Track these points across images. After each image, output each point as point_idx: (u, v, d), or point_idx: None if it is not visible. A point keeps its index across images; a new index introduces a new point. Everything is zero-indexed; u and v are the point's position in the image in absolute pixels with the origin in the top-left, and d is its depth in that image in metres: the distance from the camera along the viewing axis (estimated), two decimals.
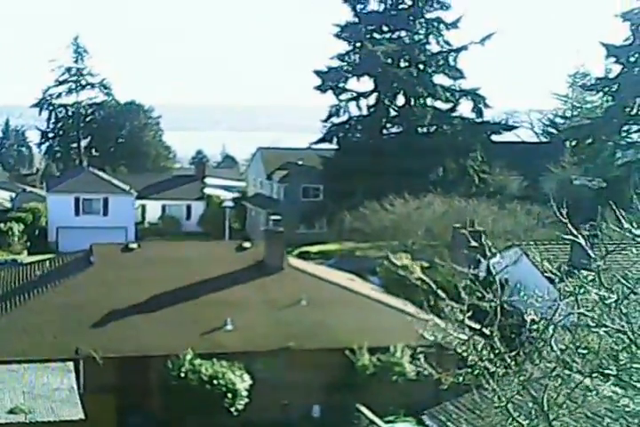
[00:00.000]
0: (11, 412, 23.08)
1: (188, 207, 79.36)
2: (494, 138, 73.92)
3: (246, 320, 30.24)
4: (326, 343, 29.70)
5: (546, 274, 13.63)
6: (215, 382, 27.25)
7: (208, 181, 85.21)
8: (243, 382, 27.63)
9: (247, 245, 34.95)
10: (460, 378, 13.56)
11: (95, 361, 27.41)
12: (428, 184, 61.13)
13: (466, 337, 13.40)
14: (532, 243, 38.11)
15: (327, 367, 29.23)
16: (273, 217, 34.69)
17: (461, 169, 69.06)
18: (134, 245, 34.19)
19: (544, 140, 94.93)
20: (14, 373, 25.82)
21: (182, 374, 27.35)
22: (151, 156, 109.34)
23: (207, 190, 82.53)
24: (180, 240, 61.02)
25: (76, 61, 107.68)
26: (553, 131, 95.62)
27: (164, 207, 79.19)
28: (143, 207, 78.06)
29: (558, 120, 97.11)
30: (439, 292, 14.87)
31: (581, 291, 11.55)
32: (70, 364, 26.52)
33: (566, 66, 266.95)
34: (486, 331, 12.94)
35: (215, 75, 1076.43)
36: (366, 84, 72.77)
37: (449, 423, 20.46)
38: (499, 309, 12.81)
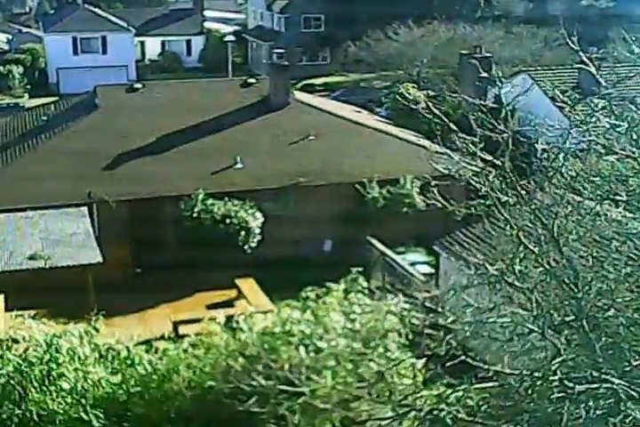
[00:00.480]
0: (31, 258, 23.53)
1: (188, 42, 77.09)
2: None
3: (255, 158, 30.21)
4: (336, 178, 29.78)
5: (557, 104, 13.48)
6: (228, 220, 27.53)
7: (207, 14, 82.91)
8: (255, 220, 27.91)
9: (252, 80, 34.43)
10: (473, 209, 13.69)
11: (108, 205, 27.57)
12: (432, 10, 59.46)
13: (478, 169, 13.43)
14: (539, 68, 37.54)
15: (337, 202, 29.45)
16: (276, 50, 33.87)
17: None
18: (139, 86, 33.67)
19: None
20: (30, 219, 26.07)
21: (195, 215, 27.58)
22: None
23: (206, 24, 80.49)
24: (181, 77, 60.09)
25: None
26: None
27: (163, 43, 76.91)
28: (142, 44, 75.84)
29: None
30: (450, 124, 14.73)
31: (592, 119, 11.46)
32: (84, 209, 26.70)
33: None
34: (498, 162, 12.96)
35: None
36: None
37: (463, 253, 20.79)
38: (509, 139, 12.76)
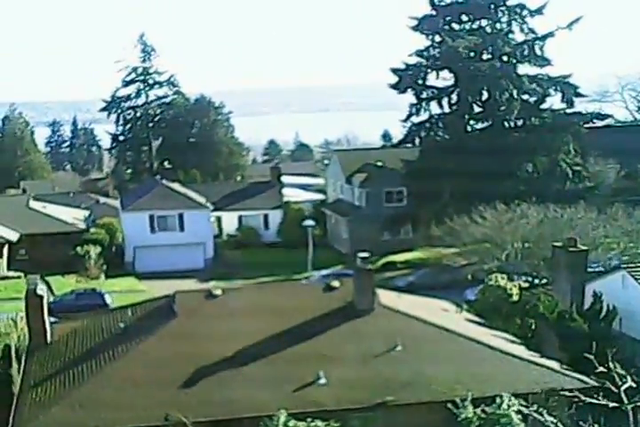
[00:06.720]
0: None
1: (266, 217, 76.62)
2: (586, 125, 69.61)
3: (340, 372, 28.42)
4: (426, 395, 27.68)
5: None
6: None
7: (284, 179, 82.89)
8: None
9: (335, 284, 33.16)
10: None
11: None
12: (519, 184, 58.13)
13: None
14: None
15: (428, 422, 27.35)
16: (361, 254, 32.59)
17: (553, 164, 65.24)
18: (218, 292, 32.57)
19: (639, 117, 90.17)
20: None
21: None
22: (223, 154, 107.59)
23: (284, 191, 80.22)
24: (260, 252, 59.10)
25: (143, 61, 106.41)
26: None
27: (240, 218, 76.61)
28: (219, 219, 75.83)
29: None
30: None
31: None
32: None
33: None
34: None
35: (283, 56, 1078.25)
36: (446, 77, 69.65)
37: None
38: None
